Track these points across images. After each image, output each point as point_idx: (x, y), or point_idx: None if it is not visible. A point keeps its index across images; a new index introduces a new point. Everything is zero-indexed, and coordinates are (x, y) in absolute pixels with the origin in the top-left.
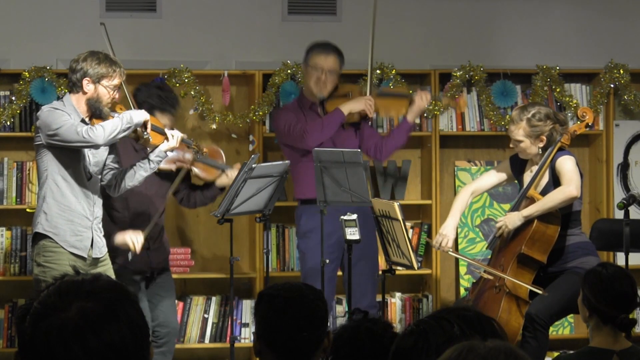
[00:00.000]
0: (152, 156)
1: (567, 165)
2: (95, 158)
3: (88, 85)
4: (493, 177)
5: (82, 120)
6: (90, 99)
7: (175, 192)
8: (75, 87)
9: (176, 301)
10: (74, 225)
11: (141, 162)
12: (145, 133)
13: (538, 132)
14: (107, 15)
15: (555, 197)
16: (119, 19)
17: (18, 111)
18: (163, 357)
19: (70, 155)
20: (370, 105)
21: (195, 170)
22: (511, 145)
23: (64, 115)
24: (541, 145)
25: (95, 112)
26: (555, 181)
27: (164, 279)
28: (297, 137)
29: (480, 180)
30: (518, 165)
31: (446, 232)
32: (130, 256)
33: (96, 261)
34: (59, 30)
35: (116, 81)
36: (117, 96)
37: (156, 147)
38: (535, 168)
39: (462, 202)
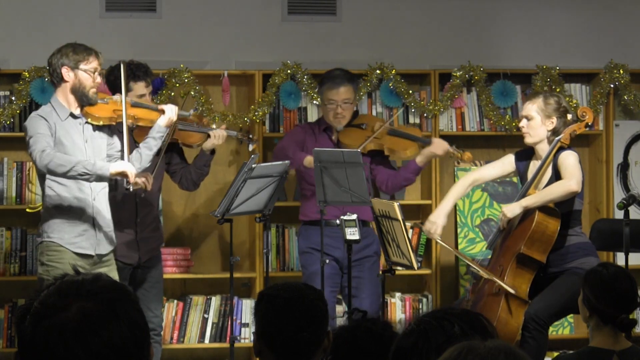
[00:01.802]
0: (153, 133)
1: (569, 160)
2: (95, 151)
3: (68, 74)
4: (497, 169)
5: (72, 115)
6: (73, 87)
7: (172, 174)
8: (56, 79)
9: (175, 301)
10: (76, 226)
11: (144, 142)
12: (128, 184)
13: (550, 110)
14: (107, 15)
15: (555, 190)
16: (118, 19)
17: (18, 111)
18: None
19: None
20: None
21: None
22: (520, 125)
23: (41, 128)
24: (550, 128)
25: (83, 100)
26: (557, 179)
27: (151, 272)
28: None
29: (484, 169)
30: (522, 167)
31: (434, 219)
32: (131, 188)
33: (101, 258)
34: (59, 30)
35: (94, 64)
36: (99, 80)
37: (154, 123)
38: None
39: (459, 190)
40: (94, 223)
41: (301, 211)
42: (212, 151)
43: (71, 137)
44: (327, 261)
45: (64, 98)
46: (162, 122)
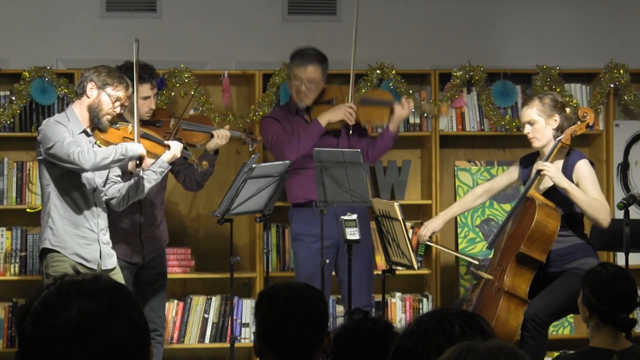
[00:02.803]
0: (154, 167)
1: (594, 185)
2: (99, 173)
3: (92, 90)
4: (505, 177)
5: (84, 132)
6: (91, 105)
7: (177, 174)
8: (80, 91)
9: (176, 301)
10: (80, 239)
11: (144, 174)
12: (139, 169)
13: (549, 109)
14: (107, 15)
15: (591, 203)
16: (119, 19)
17: (18, 111)
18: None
19: (73, 170)
20: (351, 113)
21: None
22: (525, 132)
23: (64, 132)
24: (554, 126)
25: (94, 122)
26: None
27: (155, 272)
28: (277, 151)
29: (494, 180)
30: (527, 172)
31: (427, 223)
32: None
33: (106, 272)
34: (59, 30)
35: (120, 93)
36: (118, 110)
37: (158, 157)
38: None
39: (467, 199)
40: (98, 239)
41: (288, 194)
42: (216, 151)
43: None
44: (327, 261)
45: (79, 112)
46: (166, 157)
